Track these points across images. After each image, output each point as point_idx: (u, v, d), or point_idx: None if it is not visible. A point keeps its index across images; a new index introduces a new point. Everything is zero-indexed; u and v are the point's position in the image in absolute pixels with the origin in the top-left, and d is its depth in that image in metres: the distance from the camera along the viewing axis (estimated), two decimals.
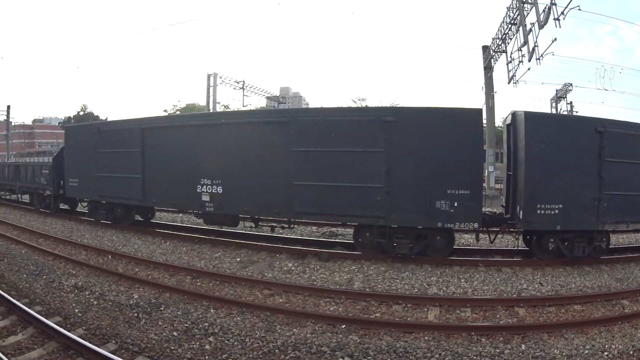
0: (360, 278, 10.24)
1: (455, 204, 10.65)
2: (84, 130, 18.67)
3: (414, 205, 10.90)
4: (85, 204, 18.66)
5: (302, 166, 11.70)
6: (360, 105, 71.36)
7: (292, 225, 13.65)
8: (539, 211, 10.63)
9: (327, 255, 11.81)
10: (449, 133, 10.77)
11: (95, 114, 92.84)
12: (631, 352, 6.58)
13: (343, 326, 7.59)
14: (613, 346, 6.77)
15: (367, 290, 9.52)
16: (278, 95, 58.17)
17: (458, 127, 10.79)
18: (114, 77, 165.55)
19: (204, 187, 13.03)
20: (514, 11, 19.90)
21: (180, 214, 19.04)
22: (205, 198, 13.05)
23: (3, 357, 6.30)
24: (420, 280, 10.07)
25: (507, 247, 12.73)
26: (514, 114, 11.68)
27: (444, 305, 8.59)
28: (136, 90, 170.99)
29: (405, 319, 8.07)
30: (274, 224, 13.32)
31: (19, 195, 23.75)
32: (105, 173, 15.68)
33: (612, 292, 9.29)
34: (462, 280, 10.02)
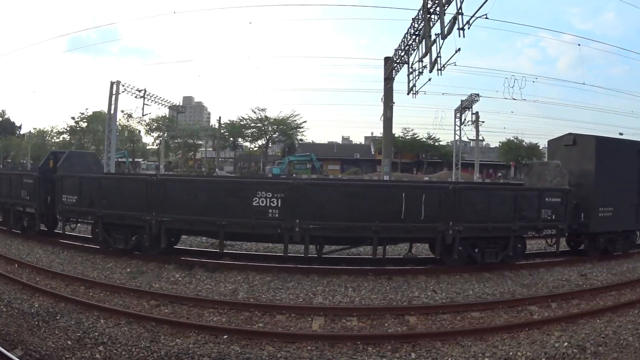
0: (245, 288, 10.28)
1: None
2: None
3: None
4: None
5: None
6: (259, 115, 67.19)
7: None
8: None
9: (212, 265, 11.67)
10: None
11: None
12: (543, 359, 6.58)
13: (225, 336, 7.60)
14: (520, 353, 6.71)
15: (251, 300, 9.51)
16: (180, 104, 56.56)
17: None
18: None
19: None
20: (419, 22, 19.68)
21: None
22: None
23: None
24: (306, 290, 10.05)
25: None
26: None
27: (329, 315, 8.50)
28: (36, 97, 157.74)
29: (289, 329, 7.93)
30: None
31: None
32: None
33: (517, 299, 9.39)
34: (350, 289, 10.00)
